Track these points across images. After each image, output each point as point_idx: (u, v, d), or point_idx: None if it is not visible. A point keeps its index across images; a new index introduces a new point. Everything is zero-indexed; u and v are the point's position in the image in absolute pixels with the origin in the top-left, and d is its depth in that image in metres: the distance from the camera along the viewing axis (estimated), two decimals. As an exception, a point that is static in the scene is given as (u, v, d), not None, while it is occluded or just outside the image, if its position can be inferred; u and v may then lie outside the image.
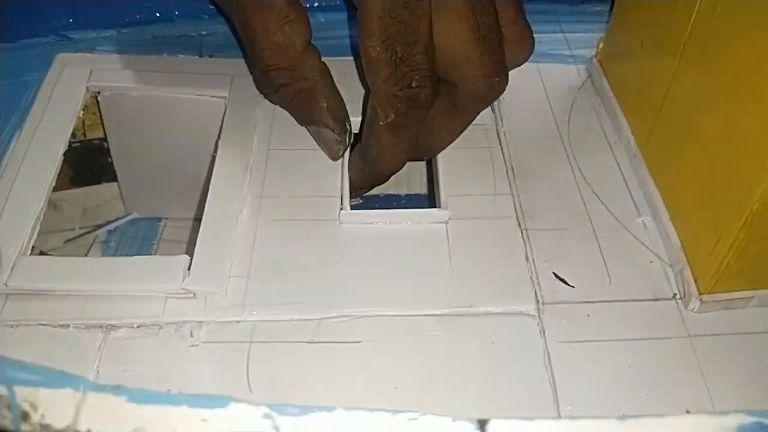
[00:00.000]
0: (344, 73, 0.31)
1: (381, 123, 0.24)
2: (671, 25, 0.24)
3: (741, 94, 0.20)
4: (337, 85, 0.28)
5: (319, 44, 0.33)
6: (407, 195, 0.39)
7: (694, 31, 0.23)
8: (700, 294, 0.23)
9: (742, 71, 0.20)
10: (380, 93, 0.24)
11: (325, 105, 0.26)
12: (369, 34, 0.23)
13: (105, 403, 0.15)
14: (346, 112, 0.27)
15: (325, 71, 0.27)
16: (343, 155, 0.27)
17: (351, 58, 0.32)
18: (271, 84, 0.27)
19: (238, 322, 0.23)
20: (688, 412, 0.20)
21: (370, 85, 0.24)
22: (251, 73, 0.28)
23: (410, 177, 0.39)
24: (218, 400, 0.16)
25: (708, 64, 0.22)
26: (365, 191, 0.30)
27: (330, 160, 0.28)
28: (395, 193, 0.39)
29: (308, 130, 0.28)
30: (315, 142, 0.28)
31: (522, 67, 0.32)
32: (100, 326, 0.22)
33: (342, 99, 0.27)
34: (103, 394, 0.15)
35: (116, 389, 0.15)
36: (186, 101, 0.30)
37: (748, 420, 0.15)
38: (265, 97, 0.29)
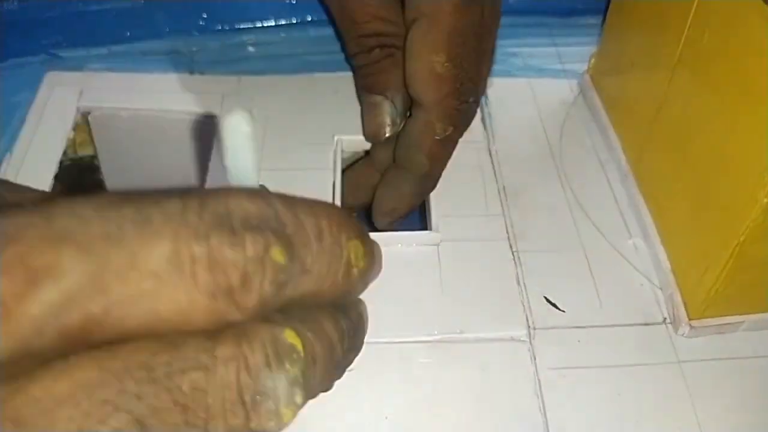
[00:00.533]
0: (336, 90, 0.31)
1: (437, 137, 0.25)
2: (661, 47, 0.24)
3: (729, 122, 0.20)
4: (329, 101, 0.28)
5: (310, 59, 0.33)
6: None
7: (684, 55, 0.23)
8: (689, 319, 0.23)
9: (730, 99, 0.20)
10: (440, 108, 0.25)
11: (403, 78, 0.26)
12: (438, 50, 0.24)
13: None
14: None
15: None
16: (384, 136, 0.27)
17: (341, 73, 0.32)
18: (365, 45, 0.27)
19: (229, 350, 0.23)
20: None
21: (422, 98, 0.25)
22: (344, 45, 0.29)
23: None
24: None
25: (697, 89, 0.22)
26: (403, 219, 0.29)
27: (322, 181, 0.28)
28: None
29: (364, 102, 0.27)
30: (306, 162, 0.28)
31: (514, 81, 0.32)
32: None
33: None
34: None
35: None
36: (176, 121, 0.30)
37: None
38: (351, 58, 0.28)
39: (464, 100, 0.25)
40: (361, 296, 0.24)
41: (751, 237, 0.19)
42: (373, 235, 0.26)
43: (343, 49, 0.33)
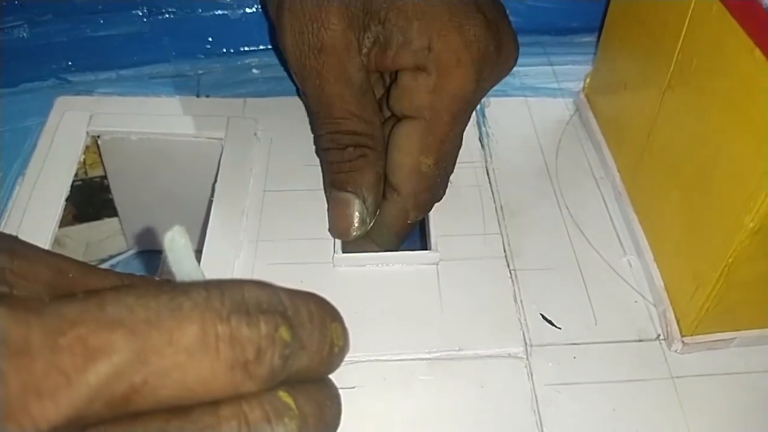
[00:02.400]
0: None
1: (409, 222, 0.27)
2: (652, 70, 0.25)
3: (716, 146, 0.21)
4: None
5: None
6: None
7: (673, 79, 0.24)
8: (682, 336, 0.23)
9: (717, 124, 0.21)
10: (418, 198, 0.26)
11: (377, 178, 0.26)
12: (428, 153, 0.25)
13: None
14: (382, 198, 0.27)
15: (384, 145, 0.27)
16: (352, 236, 0.26)
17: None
18: (338, 143, 0.26)
19: (235, 368, 0.23)
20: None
21: (402, 188, 0.26)
22: (315, 131, 0.28)
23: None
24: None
25: (686, 113, 0.23)
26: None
27: (324, 201, 0.28)
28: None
29: (333, 198, 0.27)
30: (309, 182, 0.29)
31: (510, 101, 0.33)
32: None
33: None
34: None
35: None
36: (184, 143, 0.31)
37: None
38: (322, 152, 0.27)
39: (438, 191, 0.27)
40: (365, 315, 0.25)
41: (738, 259, 0.20)
42: (373, 255, 0.27)
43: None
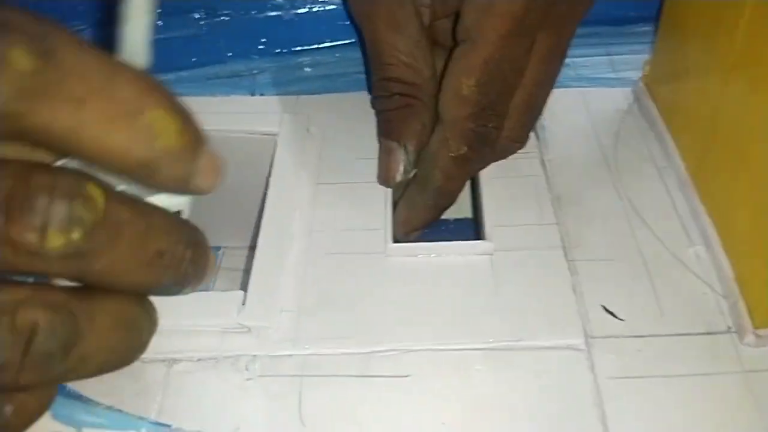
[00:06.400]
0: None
1: (451, 154, 0.26)
2: (715, 52, 0.24)
3: (793, 124, 0.20)
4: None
5: (362, 78, 0.34)
6: (456, 220, 0.39)
7: (737, 60, 0.22)
8: (755, 328, 0.22)
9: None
10: (457, 126, 0.25)
11: (420, 128, 0.27)
12: (469, 74, 0.24)
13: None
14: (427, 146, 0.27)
15: (436, 102, 0.27)
16: (393, 182, 0.28)
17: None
18: (387, 90, 0.27)
19: (290, 356, 0.23)
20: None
21: (444, 114, 0.25)
22: (371, 80, 0.29)
23: (458, 201, 0.40)
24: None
25: (752, 94, 0.22)
26: (420, 232, 0.30)
27: (376, 193, 0.28)
28: (444, 218, 0.39)
29: (381, 146, 0.28)
30: (361, 175, 0.29)
31: (567, 92, 0.32)
32: (163, 360, 0.24)
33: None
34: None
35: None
36: (239, 140, 0.32)
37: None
38: (374, 99, 0.29)
39: (482, 124, 0.25)
40: (419, 304, 0.24)
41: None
42: (426, 245, 0.26)
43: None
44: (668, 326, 0.23)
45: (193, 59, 0.35)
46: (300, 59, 0.35)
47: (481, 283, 0.25)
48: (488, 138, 0.26)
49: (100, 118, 0.13)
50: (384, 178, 0.28)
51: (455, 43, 0.26)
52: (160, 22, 0.35)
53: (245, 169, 0.33)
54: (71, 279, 0.14)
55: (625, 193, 0.27)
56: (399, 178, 0.27)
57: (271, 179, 0.29)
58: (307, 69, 0.35)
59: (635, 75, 0.32)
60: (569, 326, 0.23)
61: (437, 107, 0.26)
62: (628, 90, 0.32)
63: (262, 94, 0.34)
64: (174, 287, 0.17)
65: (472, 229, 0.29)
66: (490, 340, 0.23)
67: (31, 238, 0.13)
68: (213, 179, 0.17)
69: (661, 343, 0.23)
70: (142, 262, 0.15)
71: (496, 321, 0.24)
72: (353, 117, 0.32)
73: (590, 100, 0.31)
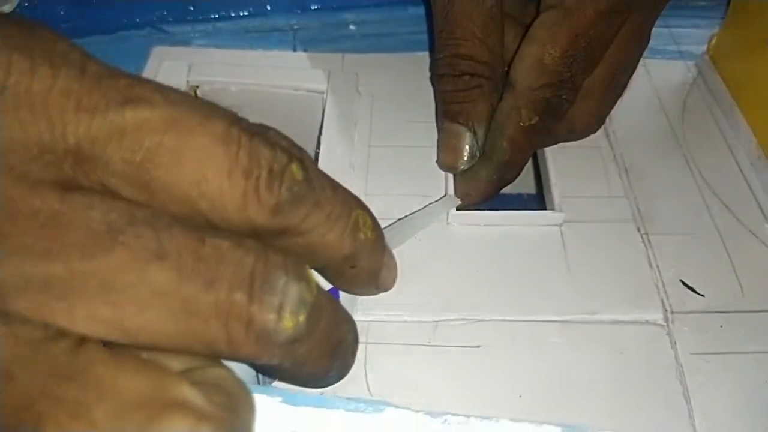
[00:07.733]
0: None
1: (522, 124, 0.24)
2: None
3: None
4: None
5: (411, 39, 0.33)
6: (516, 194, 0.37)
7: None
8: (844, 307, 0.21)
9: None
10: (532, 95, 0.24)
11: (490, 110, 0.25)
12: (556, 43, 0.23)
13: (260, 404, 0.15)
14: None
15: (503, 79, 0.25)
16: (459, 169, 0.25)
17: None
18: (456, 68, 0.25)
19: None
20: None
21: (517, 82, 0.24)
22: (433, 54, 0.27)
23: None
24: (373, 405, 0.15)
25: None
26: (479, 204, 0.27)
27: (432, 158, 0.27)
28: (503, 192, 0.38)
29: (443, 129, 0.25)
30: (415, 138, 0.27)
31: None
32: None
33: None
34: (258, 395, 0.15)
35: (270, 390, 0.15)
36: (284, 95, 0.30)
37: None
38: (437, 78, 0.26)
39: (556, 93, 0.24)
40: (485, 274, 0.23)
41: None
42: (491, 214, 0.25)
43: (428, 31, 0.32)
44: (750, 302, 0.22)
45: (231, 11, 0.33)
46: (344, 16, 0.34)
47: (551, 255, 0.24)
48: (559, 110, 0.24)
49: (334, 215, 0.15)
50: (449, 164, 0.25)
51: (537, 8, 0.24)
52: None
53: (291, 126, 0.31)
54: (271, 364, 0.14)
55: (696, 167, 0.26)
56: (465, 165, 0.25)
57: (323, 138, 0.28)
58: (352, 27, 0.33)
59: (697, 49, 0.31)
60: (647, 301, 0.22)
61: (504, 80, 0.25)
62: (691, 63, 0.31)
63: (304, 51, 0.32)
64: (333, 379, 0.17)
65: (533, 205, 0.28)
66: (565, 312, 0.22)
67: (271, 318, 0.13)
68: (394, 276, 0.18)
69: (744, 320, 0.22)
70: (326, 351, 0.15)
71: (570, 293, 0.23)
72: (403, 79, 0.30)
73: (653, 72, 0.30)
